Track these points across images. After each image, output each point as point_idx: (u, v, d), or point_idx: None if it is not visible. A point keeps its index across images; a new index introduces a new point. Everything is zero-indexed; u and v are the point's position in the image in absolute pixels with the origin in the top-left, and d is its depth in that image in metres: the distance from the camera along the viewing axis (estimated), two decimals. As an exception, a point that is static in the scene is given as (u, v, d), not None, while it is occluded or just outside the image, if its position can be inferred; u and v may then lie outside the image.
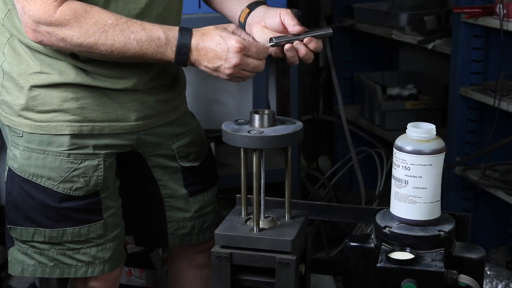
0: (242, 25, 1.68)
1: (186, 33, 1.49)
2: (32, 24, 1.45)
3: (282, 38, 1.56)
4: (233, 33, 1.52)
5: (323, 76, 3.60)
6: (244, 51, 1.48)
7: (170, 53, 1.49)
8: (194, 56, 1.49)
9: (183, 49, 1.48)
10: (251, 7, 1.67)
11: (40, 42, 1.48)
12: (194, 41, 1.49)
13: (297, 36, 1.56)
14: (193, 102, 3.06)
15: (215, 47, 1.48)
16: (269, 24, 1.60)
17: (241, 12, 1.68)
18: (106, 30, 1.45)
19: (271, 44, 1.56)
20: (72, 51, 1.50)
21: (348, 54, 3.55)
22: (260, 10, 1.66)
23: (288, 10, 1.60)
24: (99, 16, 1.45)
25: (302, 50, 1.56)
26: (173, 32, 1.49)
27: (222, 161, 2.70)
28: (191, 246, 1.88)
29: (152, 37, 1.47)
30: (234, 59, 1.47)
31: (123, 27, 1.46)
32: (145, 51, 1.48)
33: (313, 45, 1.56)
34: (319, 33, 1.58)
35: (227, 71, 1.49)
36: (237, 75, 1.50)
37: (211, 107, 3.25)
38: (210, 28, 1.51)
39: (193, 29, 1.50)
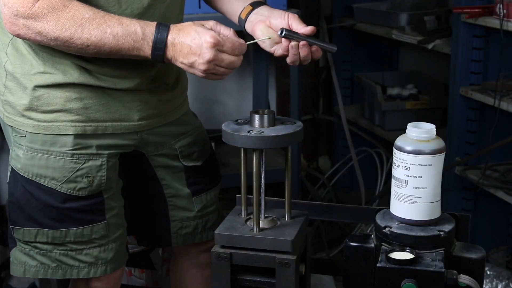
0: (242, 22, 1.68)
1: (163, 28, 1.48)
2: (10, 17, 1.45)
3: (292, 33, 1.56)
4: (211, 29, 1.50)
5: (323, 76, 3.60)
6: (218, 46, 1.46)
7: (146, 48, 1.47)
8: (170, 51, 1.48)
9: (159, 44, 1.47)
10: (254, 5, 1.67)
11: (18, 36, 1.48)
12: (170, 37, 1.47)
13: (307, 37, 1.57)
14: (193, 102, 3.06)
15: (190, 42, 1.46)
16: (275, 25, 1.60)
17: (243, 9, 1.68)
18: (83, 24, 1.44)
19: (280, 34, 1.55)
20: (49, 45, 1.49)
21: (348, 54, 3.55)
22: (264, 9, 1.66)
23: (296, 15, 1.61)
24: (77, 10, 1.44)
25: (305, 50, 1.56)
26: (150, 27, 1.47)
27: (222, 161, 2.70)
28: (194, 246, 1.89)
29: (129, 31, 1.46)
30: (207, 54, 1.45)
31: (100, 21, 1.45)
32: (121, 46, 1.46)
33: (316, 53, 1.58)
34: (326, 45, 1.60)
35: (201, 67, 1.47)
36: (212, 71, 1.48)
37: (211, 107, 3.25)
38: (188, 23, 1.50)
39: (171, 25, 1.49)
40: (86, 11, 1.44)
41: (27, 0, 1.43)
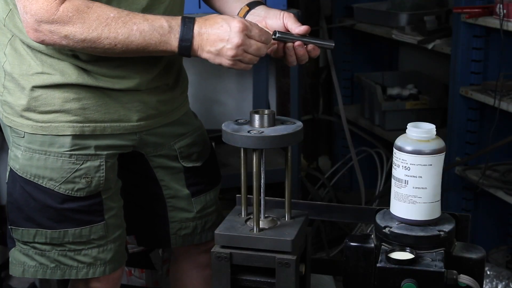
0: None
1: (189, 20, 1.49)
2: (33, 24, 1.44)
3: (286, 35, 1.56)
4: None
5: (323, 76, 3.60)
6: (246, 31, 1.47)
7: (173, 41, 1.48)
8: (197, 41, 1.48)
9: (187, 35, 1.47)
10: (251, 6, 1.68)
11: (42, 42, 1.48)
12: (197, 27, 1.48)
13: (301, 37, 1.56)
14: (193, 102, 3.05)
15: (218, 29, 1.47)
16: (271, 25, 1.61)
17: (240, 10, 1.69)
18: (109, 24, 1.44)
19: (274, 37, 1.56)
20: (75, 49, 1.49)
21: (348, 54, 3.55)
22: (261, 9, 1.66)
23: (291, 14, 1.61)
24: (101, 10, 1.44)
25: (301, 50, 1.57)
26: (176, 20, 1.48)
27: (222, 161, 2.70)
28: (194, 246, 1.88)
29: (155, 26, 1.46)
30: (236, 38, 1.46)
31: (126, 19, 1.45)
32: (148, 41, 1.47)
33: (313, 51, 1.58)
34: (322, 42, 1.60)
35: (230, 52, 1.47)
36: (240, 57, 1.48)
37: (211, 107, 3.25)
38: (213, 14, 1.51)
39: (196, 17, 1.50)
40: (111, 11, 1.45)
41: (50, 5, 1.42)
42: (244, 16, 1.67)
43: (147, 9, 1.56)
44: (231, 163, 2.73)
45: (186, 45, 1.48)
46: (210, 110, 3.25)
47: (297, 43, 1.56)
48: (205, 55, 1.49)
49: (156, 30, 1.46)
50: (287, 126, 1.48)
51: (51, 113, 1.58)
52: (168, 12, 1.61)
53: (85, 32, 1.44)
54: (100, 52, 1.48)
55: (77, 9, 1.43)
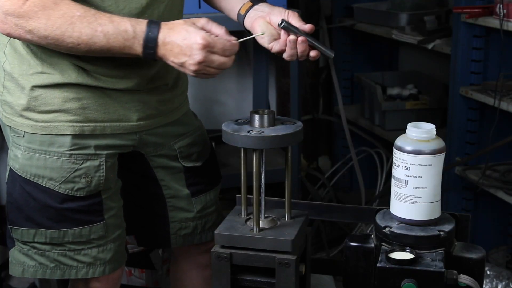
0: (241, 18, 1.68)
1: (154, 26, 1.46)
2: (0, 15, 1.43)
3: (292, 27, 1.57)
4: (202, 28, 1.47)
5: (323, 76, 3.60)
6: (208, 47, 1.44)
7: (137, 46, 1.46)
8: (161, 50, 1.46)
9: (150, 43, 1.45)
10: (254, 2, 1.68)
11: (8, 35, 1.47)
12: (161, 35, 1.45)
13: (305, 34, 1.57)
14: (193, 102, 3.06)
15: (180, 42, 1.44)
16: (275, 22, 1.60)
17: (243, 5, 1.69)
18: (73, 22, 1.43)
19: (280, 24, 1.56)
20: (39, 44, 1.48)
21: (348, 54, 3.55)
22: (264, 6, 1.66)
23: (296, 13, 1.61)
24: (68, 8, 1.43)
25: (302, 46, 1.57)
26: (141, 25, 1.46)
27: (222, 161, 2.70)
28: (194, 247, 1.88)
29: (119, 29, 1.44)
30: (198, 55, 1.44)
31: (91, 20, 1.44)
32: (112, 44, 1.45)
33: (313, 54, 1.59)
34: (323, 48, 1.61)
35: (192, 68, 1.46)
36: (202, 71, 1.47)
37: (211, 107, 3.25)
38: (179, 22, 1.48)
39: (162, 23, 1.47)
40: (77, 9, 1.43)
41: None
42: (247, 11, 1.67)
43: (147, 7, 1.56)
44: (231, 163, 2.73)
45: (150, 52, 1.46)
46: (210, 110, 3.25)
47: (301, 38, 1.56)
48: (170, 63, 1.48)
49: (120, 33, 1.44)
50: (287, 126, 1.48)
51: (51, 113, 1.58)
52: (168, 10, 1.61)
53: (49, 28, 1.43)
54: (64, 50, 1.48)
55: (43, 5, 1.42)
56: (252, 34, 1.63)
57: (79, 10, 1.43)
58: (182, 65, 1.46)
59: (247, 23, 1.66)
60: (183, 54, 1.45)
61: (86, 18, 1.43)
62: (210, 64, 1.46)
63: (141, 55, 1.47)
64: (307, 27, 1.58)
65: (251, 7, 1.67)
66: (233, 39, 1.49)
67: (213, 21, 1.49)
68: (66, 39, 1.44)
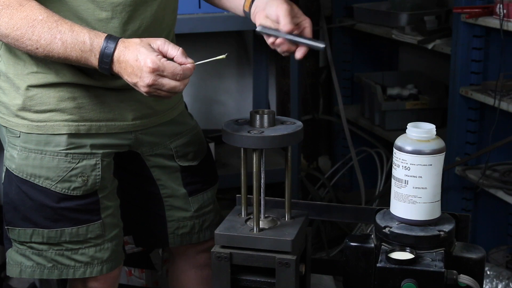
0: (247, 14, 1.69)
1: (111, 42, 1.44)
2: None
3: (269, 30, 1.56)
4: (158, 49, 1.45)
5: (323, 76, 3.60)
6: (158, 71, 1.41)
7: (93, 60, 1.45)
8: (116, 67, 1.45)
9: (106, 59, 1.44)
10: None
11: None
12: (116, 53, 1.44)
13: (287, 34, 1.56)
14: (193, 102, 3.07)
15: (132, 63, 1.43)
16: (269, 15, 1.61)
17: (245, 1, 1.69)
18: (34, 26, 1.43)
19: (256, 30, 1.56)
20: (1, 41, 1.48)
21: (348, 54, 3.55)
22: (261, 0, 1.66)
23: (287, 6, 1.59)
24: (31, 10, 1.43)
25: (284, 47, 1.58)
26: (98, 39, 1.44)
27: (222, 161, 2.70)
28: (192, 246, 1.88)
29: (78, 40, 1.43)
30: (147, 78, 1.42)
31: (52, 26, 1.43)
32: (69, 54, 1.44)
33: (298, 54, 1.59)
34: (309, 43, 1.58)
35: (143, 89, 1.44)
36: (154, 93, 1.45)
37: (211, 107, 3.25)
38: (135, 41, 1.45)
39: (120, 40, 1.45)
40: (40, 13, 1.43)
41: None
42: (250, 6, 1.67)
43: (140, 4, 1.55)
44: (231, 163, 2.73)
45: (106, 67, 1.45)
46: (210, 110, 3.25)
47: (278, 40, 1.56)
48: (124, 79, 1.47)
49: (78, 44, 1.44)
50: (287, 126, 1.48)
51: (46, 112, 1.58)
52: (161, 9, 1.60)
53: (10, 28, 1.43)
54: (23, 51, 1.47)
55: (8, 4, 1.43)
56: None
57: (42, 14, 1.43)
58: (135, 84, 1.45)
59: (253, 18, 1.67)
60: (134, 75, 1.43)
61: (48, 23, 1.43)
62: (160, 87, 1.44)
63: (97, 68, 1.46)
64: (284, 27, 1.56)
65: (252, 2, 1.67)
66: (188, 62, 1.45)
67: (170, 42, 1.46)
68: (25, 41, 1.44)
